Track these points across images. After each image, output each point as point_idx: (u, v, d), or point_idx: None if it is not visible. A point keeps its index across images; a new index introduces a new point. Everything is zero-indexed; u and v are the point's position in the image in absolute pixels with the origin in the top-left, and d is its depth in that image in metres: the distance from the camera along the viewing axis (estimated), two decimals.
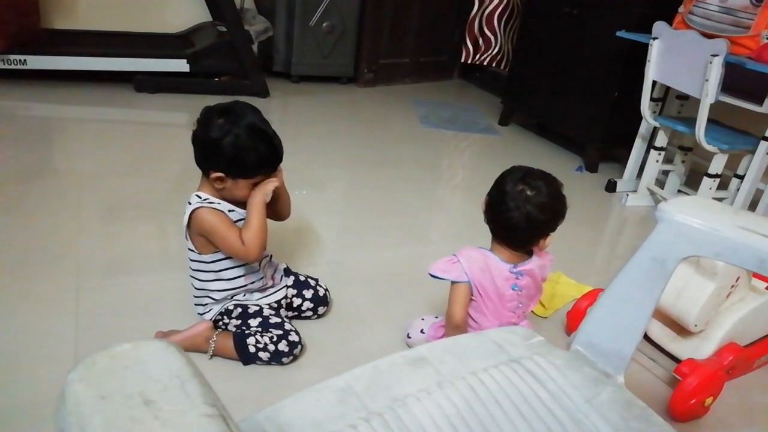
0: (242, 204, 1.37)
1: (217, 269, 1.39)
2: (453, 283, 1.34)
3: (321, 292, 1.56)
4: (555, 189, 1.27)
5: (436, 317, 1.52)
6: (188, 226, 1.35)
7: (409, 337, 1.51)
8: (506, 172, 1.31)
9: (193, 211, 1.32)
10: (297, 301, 1.52)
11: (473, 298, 1.34)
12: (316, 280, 1.58)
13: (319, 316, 1.57)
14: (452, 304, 1.34)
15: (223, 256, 1.37)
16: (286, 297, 1.51)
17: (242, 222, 1.38)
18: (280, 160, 1.35)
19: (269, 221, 1.40)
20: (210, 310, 1.42)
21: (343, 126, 3.40)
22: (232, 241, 1.32)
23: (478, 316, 1.35)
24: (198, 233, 1.35)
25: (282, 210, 1.50)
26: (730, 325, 1.47)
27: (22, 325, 1.40)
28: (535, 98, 3.32)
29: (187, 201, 1.35)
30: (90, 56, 3.11)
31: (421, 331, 1.49)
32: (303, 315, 1.55)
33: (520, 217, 1.24)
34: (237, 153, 1.26)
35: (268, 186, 1.34)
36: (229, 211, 1.35)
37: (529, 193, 1.24)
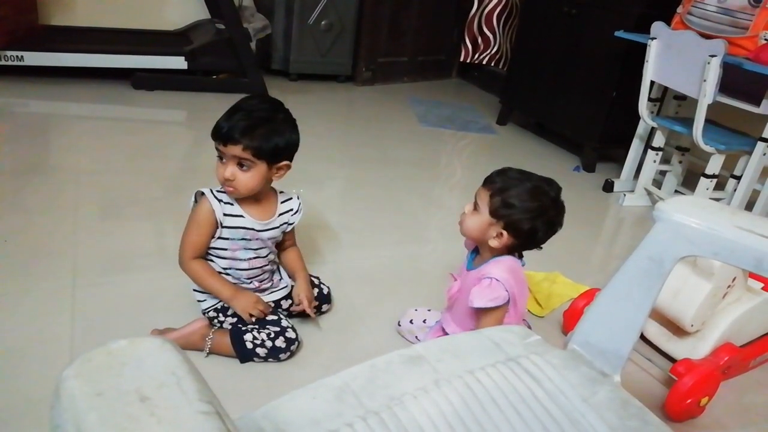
0: (255, 210, 1.37)
1: (214, 255, 1.38)
2: (490, 307, 1.25)
3: (324, 291, 1.56)
4: (559, 189, 1.26)
5: (429, 310, 1.53)
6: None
7: (399, 325, 1.53)
8: (531, 206, 1.22)
9: (198, 193, 1.34)
10: None
11: (507, 310, 1.28)
12: (318, 278, 1.58)
13: (322, 314, 1.57)
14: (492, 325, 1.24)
15: (220, 246, 1.36)
16: (287, 298, 1.50)
17: (241, 230, 1.35)
18: (222, 128, 1.25)
19: None
20: (205, 299, 1.41)
21: (341, 125, 3.40)
22: (185, 240, 1.34)
23: (507, 320, 1.30)
24: None
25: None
26: (726, 325, 1.47)
27: (17, 322, 1.40)
28: (533, 98, 3.33)
29: (185, 198, 1.36)
30: (88, 53, 3.10)
31: (410, 321, 1.51)
32: (306, 313, 1.54)
33: (553, 231, 1.25)
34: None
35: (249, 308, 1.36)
36: (232, 215, 1.33)
37: (552, 212, 1.23)
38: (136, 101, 3.12)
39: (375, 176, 2.61)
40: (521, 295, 1.29)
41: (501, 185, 1.24)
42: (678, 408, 1.35)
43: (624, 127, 2.82)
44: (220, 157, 1.29)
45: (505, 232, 1.24)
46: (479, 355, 0.89)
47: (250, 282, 1.42)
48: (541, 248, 1.30)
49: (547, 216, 1.23)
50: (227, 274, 1.39)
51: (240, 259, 1.38)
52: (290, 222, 1.45)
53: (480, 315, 1.28)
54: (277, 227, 1.41)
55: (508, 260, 1.28)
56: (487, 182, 1.27)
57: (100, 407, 0.45)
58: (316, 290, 1.54)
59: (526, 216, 1.22)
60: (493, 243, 1.26)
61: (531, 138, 3.45)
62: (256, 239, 1.38)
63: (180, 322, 1.41)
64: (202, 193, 1.34)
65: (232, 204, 1.34)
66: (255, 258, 1.40)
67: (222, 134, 1.25)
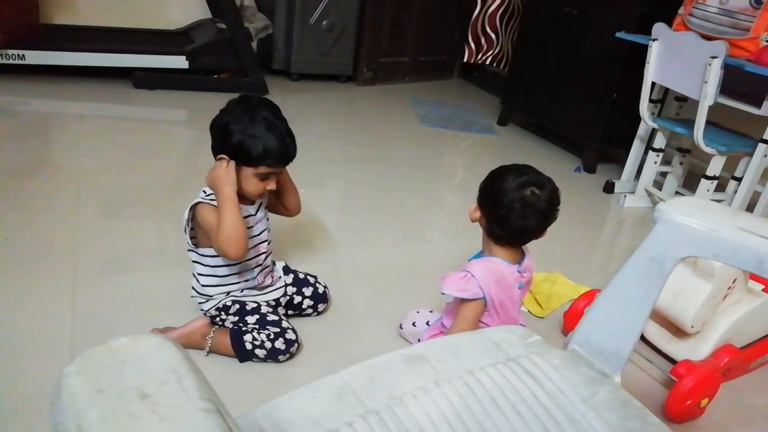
0: (248, 201, 1.39)
1: (212, 264, 1.39)
2: (465, 300, 1.27)
3: (320, 289, 1.56)
4: (552, 182, 1.27)
5: (431, 311, 1.53)
6: (190, 219, 1.36)
7: (401, 328, 1.53)
8: (498, 177, 1.26)
9: (194, 206, 1.33)
10: (297, 299, 1.53)
11: (486, 310, 1.29)
12: (315, 277, 1.58)
13: (319, 313, 1.57)
14: (463, 322, 1.27)
15: (215, 253, 1.36)
16: (285, 295, 1.51)
17: (249, 218, 1.39)
18: (290, 154, 1.33)
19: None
20: (206, 300, 1.42)
21: (342, 125, 3.40)
22: (216, 234, 1.31)
23: (492, 321, 1.31)
24: (198, 227, 1.36)
25: (290, 203, 1.51)
26: (726, 327, 1.47)
27: (18, 320, 1.40)
28: (534, 98, 3.33)
29: (186, 198, 1.36)
30: (89, 52, 3.10)
31: (413, 324, 1.50)
32: (304, 312, 1.55)
33: (537, 220, 1.24)
34: (244, 138, 1.27)
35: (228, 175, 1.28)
36: None
37: (538, 192, 1.23)
38: (137, 100, 3.13)
39: (376, 176, 2.61)
40: (507, 298, 1.29)
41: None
42: (678, 409, 1.35)
43: (625, 129, 2.82)
44: (264, 176, 1.32)
45: (476, 204, 1.30)
46: (479, 355, 0.89)
47: (256, 274, 1.45)
48: (518, 232, 1.27)
49: (519, 193, 1.23)
50: (235, 273, 1.41)
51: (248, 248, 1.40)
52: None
53: (459, 305, 1.30)
54: (261, 203, 1.45)
55: (495, 262, 1.29)
56: None
57: (101, 404, 0.45)
58: (311, 288, 1.54)
59: (492, 184, 1.26)
60: (474, 216, 1.31)
61: (532, 139, 3.45)
62: (256, 223, 1.42)
63: (180, 321, 1.42)
64: (195, 204, 1.34)
65: None
66: (260, 243, 1.44)
67: (288, 158, 1.34)
